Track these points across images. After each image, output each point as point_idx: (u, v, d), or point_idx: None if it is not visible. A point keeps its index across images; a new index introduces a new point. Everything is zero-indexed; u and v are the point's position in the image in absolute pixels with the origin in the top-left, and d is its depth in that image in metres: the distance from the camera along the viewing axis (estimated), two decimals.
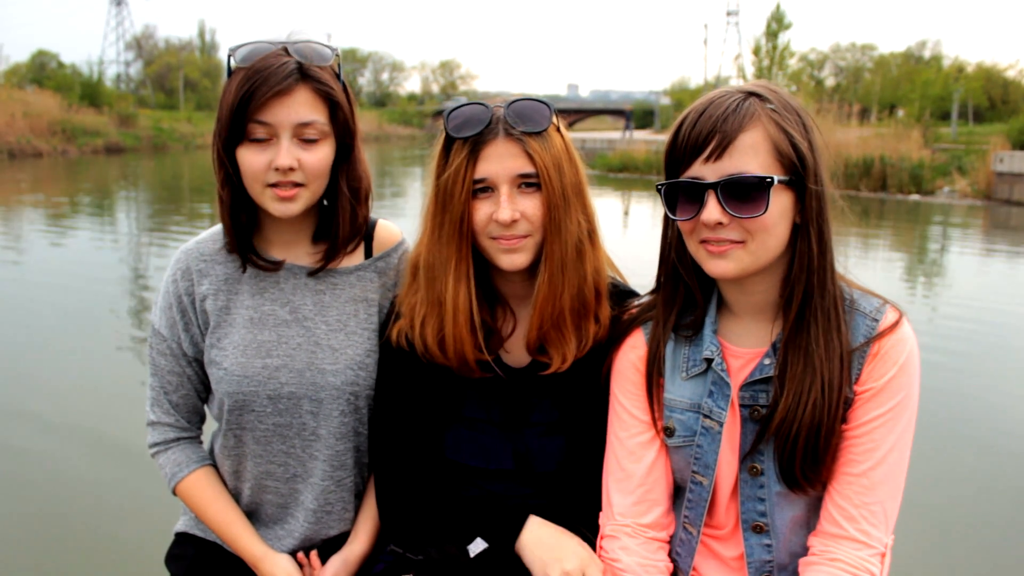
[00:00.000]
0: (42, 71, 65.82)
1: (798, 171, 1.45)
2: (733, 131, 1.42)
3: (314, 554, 1.78)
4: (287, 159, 1.60)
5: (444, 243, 1.63)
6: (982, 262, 13.10)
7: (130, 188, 25.03)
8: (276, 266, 1.78)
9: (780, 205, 1.44)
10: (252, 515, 1.87)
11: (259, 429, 1.77)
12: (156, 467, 1.86)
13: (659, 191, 1.52)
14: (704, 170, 1.44)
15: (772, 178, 1.41)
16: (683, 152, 1.46)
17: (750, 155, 1.42)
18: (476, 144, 1.58)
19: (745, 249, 1.45)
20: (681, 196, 1.48)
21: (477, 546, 1.62)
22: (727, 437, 1.56)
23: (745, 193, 1.42)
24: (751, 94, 1.46)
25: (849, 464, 1.48)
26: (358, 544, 1.83)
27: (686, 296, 1.64)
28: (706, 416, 1.58)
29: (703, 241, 1.48)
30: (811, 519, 1.56)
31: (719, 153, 1.42)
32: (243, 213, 1.74)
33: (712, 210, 1.43)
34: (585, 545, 1.63)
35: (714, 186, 1.42)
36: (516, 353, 1.76)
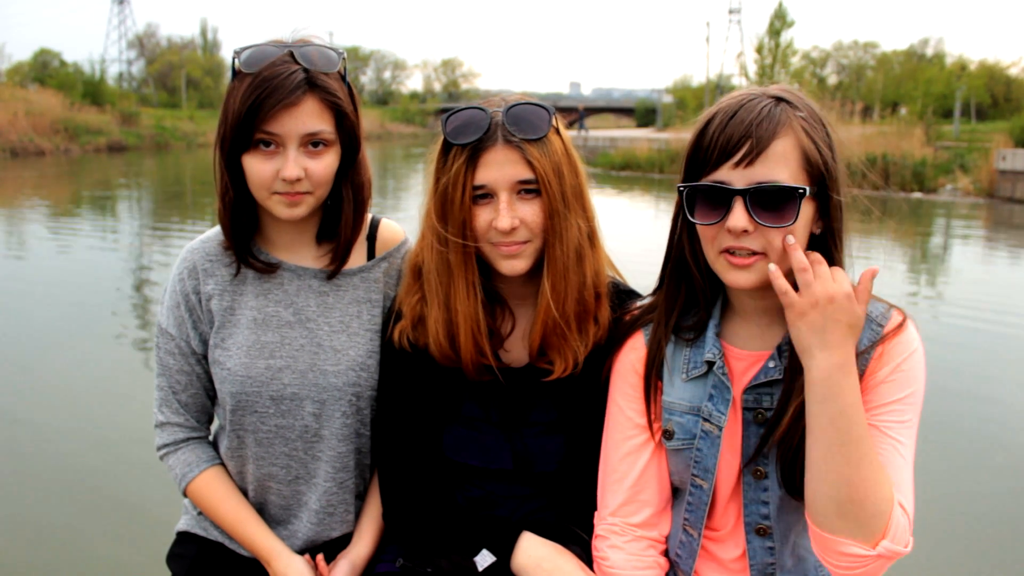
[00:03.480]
0: (44, 70, 65.78)
1: (823, 181, 1.43)
2: (767, 137, 1.38)
3: (320, 558, 1.78)
4: (294, 170, 1.60)
5: (449, 249, 1.62)
6: (985, 260, 13.10)
7: (133, 186, 25.04)
8: (272, 268, 1.78)
9: (805, 216, 1.42)
10: None
11: (261, 430, 1.77)
12: (164, 468, 1.86)
13: (680, 192, 1.49)
14: (732, 175, 1.40)
15: (804, 189, 1.39)
16: (710, 154, 1.42)
17: (781, 163, 1.39)
18: (475, 150, 1.57)
19: (767, 260, 1.43)
20: (703, 199, 1.45)
21: (484, 559, 1.61)
22: (728, 440, 1.55)
23: (774, 202, 1.39)
24: (780, 99, 1.43)
25: None
26: (362, 546, 1.82)
27: (688, 296, 1.62)
28: (706, 419, 1.57)
29: (725, 250, 1.45)
30: None
31: (751, 159, 1.39)
32: (244, 216, 1.74)
33: (739, 217, 1.39)
34: (582, 564, 1.62)
35: (743, 193, 1.39)
36: (515, 352, 1.76)
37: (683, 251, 1.59)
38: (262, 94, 1.57)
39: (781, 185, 1.38)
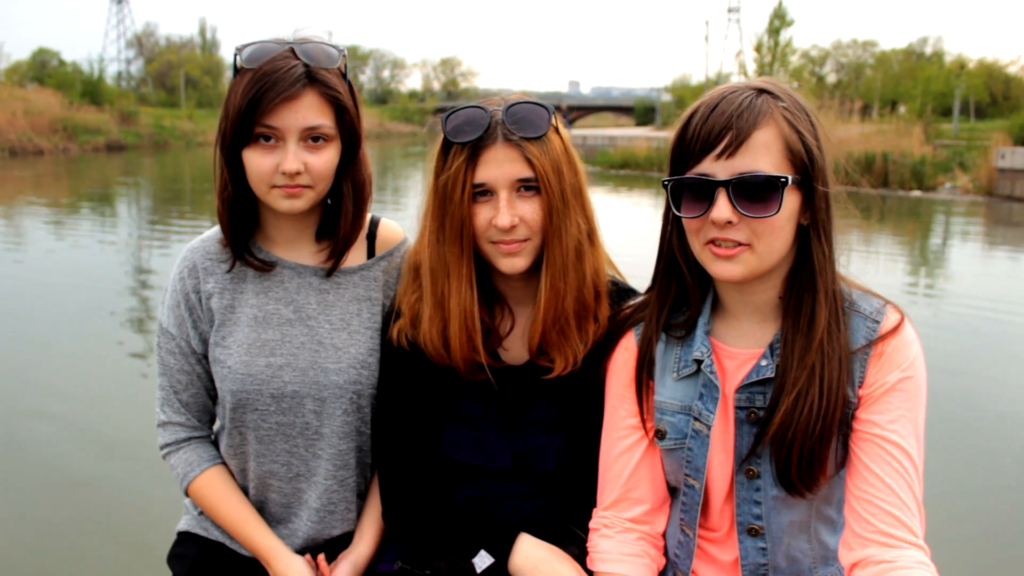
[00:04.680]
0: (43, 69, 65.77)
1: (807, 172, 1.42)
2: (747, 128, 1.38)
3: (321, 558, 1.78)
4: (294, 164, 1.61)
5: (446, 247, 1.63)
6: (984, 258, 13.11)
7: (132, 186, 25.02)
8: (269, 266, 1.78)
9: (790, 206, 1.41)
10: None
11: (262, 428, 1.78)
12: (167, 467, 1.86)
13: (665, 187, 1.48)
14: (715, 167, 1.40)
15: (786, 178, 1.38)
16: (693, 147, 1.42)
17: (763, 153, 1.39)
18: (475, 149, 1.57)
19: (752, 252, 1.42)
20: (688, 193, 1.44)
21: (483, 560, 1.61)
22: (719, 440, 1.54)
23: (757, 192, 1.38)
24: (762, 91, 1.43)
25: (879, 468, 1.41)
26: (363, 546, 1.82)
27: (678, 294, 1.61)
28: (696, 419, 1.56)
29: (710, 242, 1.44)
30: (809, 523, 1.55)
31: (732, 150, 1.38)
32: (242, 213, 1.74)
33: (722, 208, 1.39)
34: (579, 568, 1.62)
35: (725, 184, 1.39)
36: (514, 351, 1.76)
37: (673, 247, 1.59)
38: (262, 87, 1.58)
39: (763, 175, 1.38)
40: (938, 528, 4.04)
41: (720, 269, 1.45)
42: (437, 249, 1.64)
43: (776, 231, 1.41)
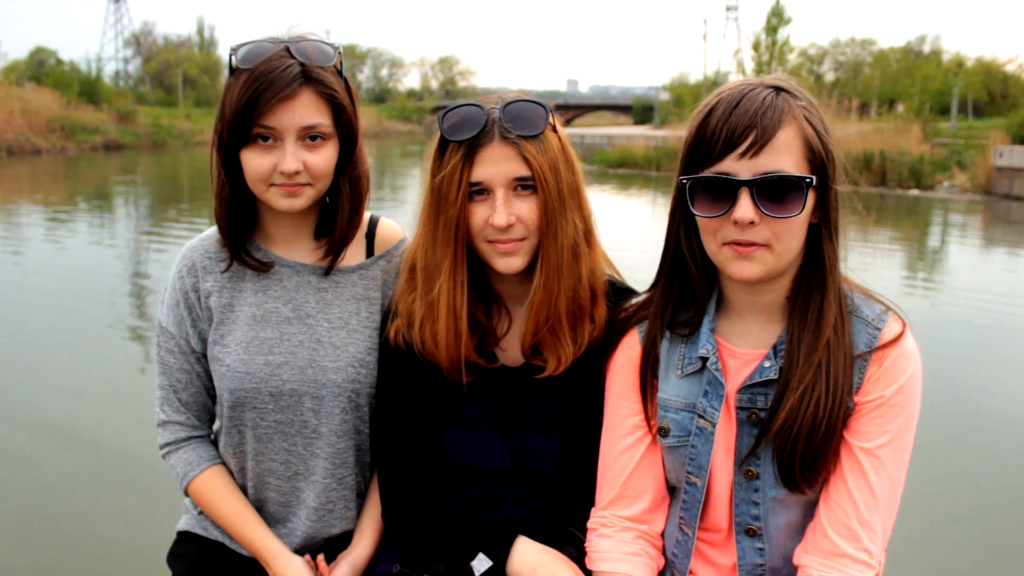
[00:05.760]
0: (40, 68, 65.62)
1: (824, 171, 1.42)
2: (772, 127, 1.36)
3: (321, 558, 1.78)
4: (293, 163, 1.61)
5: (440, 245, 1.62)
6: (982, 256, 13.12)
7: (130, 185, 24.98)
8: (266, 267, 1.78)
9: (808, 206, 1.40)
10: None
11: (260, 426, 1.78)
12: (166, 467, 1.86)
13: (683, 185, 1.46)
14: (738, 166, 1.38)
15: (811, 178, 1.37)
16: (714, 145, 1.39)
17: (786, 153, 1.37)
18: (472, 147, 1.56)
19: (771, 251, 1.41)
20: (706, 192, 1.42)
21: (481, 564, 1.61)
22: (722, 439, 1.54)
23: (780, 193, 1.37)
24: (780, 89, 1.42)
25: (851, 479, 1.44)
26: (363, 546, 1.82)
27: (682, 291, 1.60)
28: (700, 416, 1.55)
29: (729, 242, 1.42)
30: (805, 524, 1.54)
31: (756, 149, 1.36)
32: (240, 213, 1.74)
33: (746, 208, 1.37)
34: (577, 570, 1.62)
35: (750, 184, 1.37)
36: (512, 352, 1.76)
37: (680, 245, 1.57)
38: (259, 88, 1.58)
39: (788, 175, 1.37)
40: (934, 525, 4.06)
41: (739, 269, 1.43)
42: (432, 248, 1.64)
43: (795, 231, 1.41)
